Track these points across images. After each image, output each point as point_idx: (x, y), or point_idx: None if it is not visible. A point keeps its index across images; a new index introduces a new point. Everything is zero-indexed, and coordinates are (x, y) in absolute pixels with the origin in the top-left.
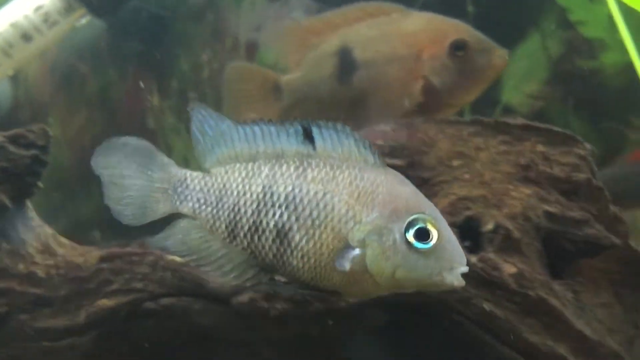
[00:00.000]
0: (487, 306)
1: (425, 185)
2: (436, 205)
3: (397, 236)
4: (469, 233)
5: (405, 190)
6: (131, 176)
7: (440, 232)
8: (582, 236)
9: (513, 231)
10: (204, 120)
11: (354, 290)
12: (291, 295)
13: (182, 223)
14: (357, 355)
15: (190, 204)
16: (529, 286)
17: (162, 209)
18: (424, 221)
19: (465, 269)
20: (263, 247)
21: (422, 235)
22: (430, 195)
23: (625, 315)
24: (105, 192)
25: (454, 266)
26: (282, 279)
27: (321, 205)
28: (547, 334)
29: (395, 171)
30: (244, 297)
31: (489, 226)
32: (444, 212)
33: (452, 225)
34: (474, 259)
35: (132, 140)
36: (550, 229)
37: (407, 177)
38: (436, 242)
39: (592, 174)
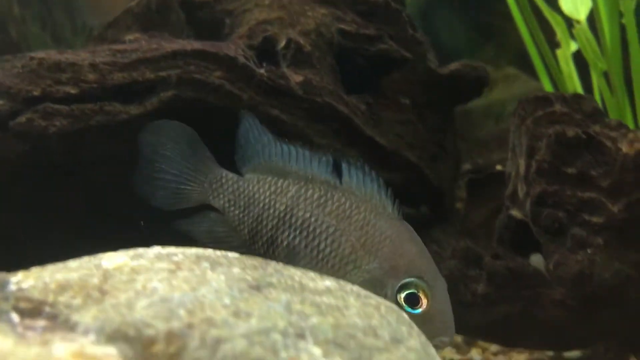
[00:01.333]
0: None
1: (231, 16)
2: (238, 33)
3: (389, 293)
4: (267, 53)
5: (411, 249)
6: (175, 161)
7: (432, 301)
8: (374, 51)
9: (304, 45)
10: (249, 129)
11: None
12: None
13: (212, 215)
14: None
15: (222, 202)
16: (316, 93)
17: (195, 198)
18: (417, 287)
19: (448, 340)
20: (276, 259)
21: (412, 301)
22: (235, 24)
23: (428, 135)
24: (140, 169)
25: (437, 336)
26: None
27: (329, 240)
28: (336, 139)
29: (409, 226)
30: (22, 118)
31: (282, 43)
32: (243, 37)
33: (250, 47)
34: (261, 70)
35: (183, 127)
36: (343, 45)
37: (215, 12)
38: (424, 310)
39: None
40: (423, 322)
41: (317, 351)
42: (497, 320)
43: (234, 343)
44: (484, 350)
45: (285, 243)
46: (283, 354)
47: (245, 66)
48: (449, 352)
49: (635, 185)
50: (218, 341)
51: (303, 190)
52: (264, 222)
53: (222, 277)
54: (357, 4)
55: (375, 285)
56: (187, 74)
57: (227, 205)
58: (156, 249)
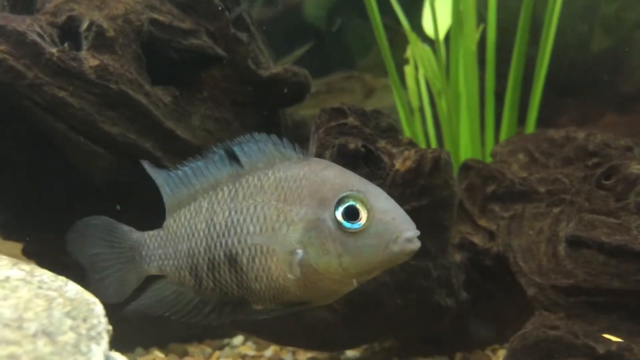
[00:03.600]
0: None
1: None
2: (45, 9)
3: (331, 224)
4: (71, 34)
5: (329, 174)
6: (104, 254)
7: (371, 206)
8: (187, 45)
9: (108, 30)
10: (165, 183)
11: (319, 295)
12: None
13: (155, 284)
14: None
15: (155, 263)
16: (111, 80)
17: (136, 277)
18: (351, 199)
19: (412, 233)
20: (225, 281)
21: (351, 214)
22: (47, 0)
23: (244, 133)
24: (88, 278)
25: (398, 235)
26: (258, 306)
27: (254, 219)
28: (130, 127)
29: (319, 159)
30: None
31: (85, 25)
32: (47, 14)
33: (53, 25)
34: (53, 50)
35: (93, 220)
36: (154, 35)
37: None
38: (367, 219)
39: None
40: (375, 231)
41: None
42: (268, 319)
43: None
44: (281, 348)
45: (222, 255)
46: None
47: (34, 43)
48: (247, 347)
49: (401, 199)
50: None
51: (213, 198)
52: (196, 251)
53: None
54: None
55: (317, 227)
56: None
57: (160, 262)
58: None
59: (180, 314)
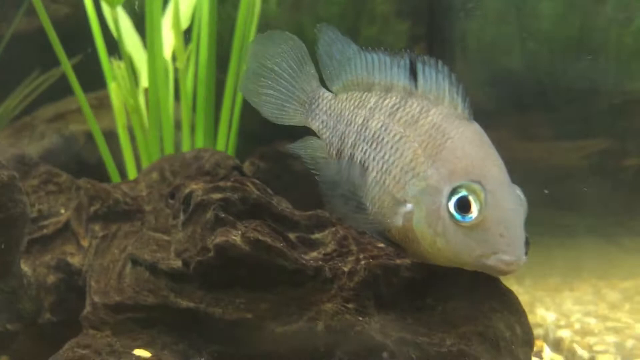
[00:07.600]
0: None
1: None
2: None
3: (444, 201)
4: None
5: (474, 151)
6: (282, 77)
7: (487, 209)
8: None
9: None
10: (331, 43)
11: (412, 250)
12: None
13: (311, 140)
14: None
15: (317, 123)
16: None
17: (297, 119)
18: (470, 191)
19: (509, 258)
20: (355, 180)
21: (463, 206)
22: None
23: None
24: (247, 77)
25: (496, 252)
26: None
27: (393, 149)
28: None
29: (478, 127)
30: None
31: None
32: None
33: None
34: None
35: (295, 39)
36: None
37: None
38: (477, 218)
39: None
40: (478, 236)
41: None
42: None
43: None
44: None
45: (359, 159)
46: None
47: None
48: None
49: None
50: None
51: (381, 101)
52: (346, 140)
53: None
54: None
55: (432, 193)
56: None
57: (320, 127)
58: None
59: (324, 180)
